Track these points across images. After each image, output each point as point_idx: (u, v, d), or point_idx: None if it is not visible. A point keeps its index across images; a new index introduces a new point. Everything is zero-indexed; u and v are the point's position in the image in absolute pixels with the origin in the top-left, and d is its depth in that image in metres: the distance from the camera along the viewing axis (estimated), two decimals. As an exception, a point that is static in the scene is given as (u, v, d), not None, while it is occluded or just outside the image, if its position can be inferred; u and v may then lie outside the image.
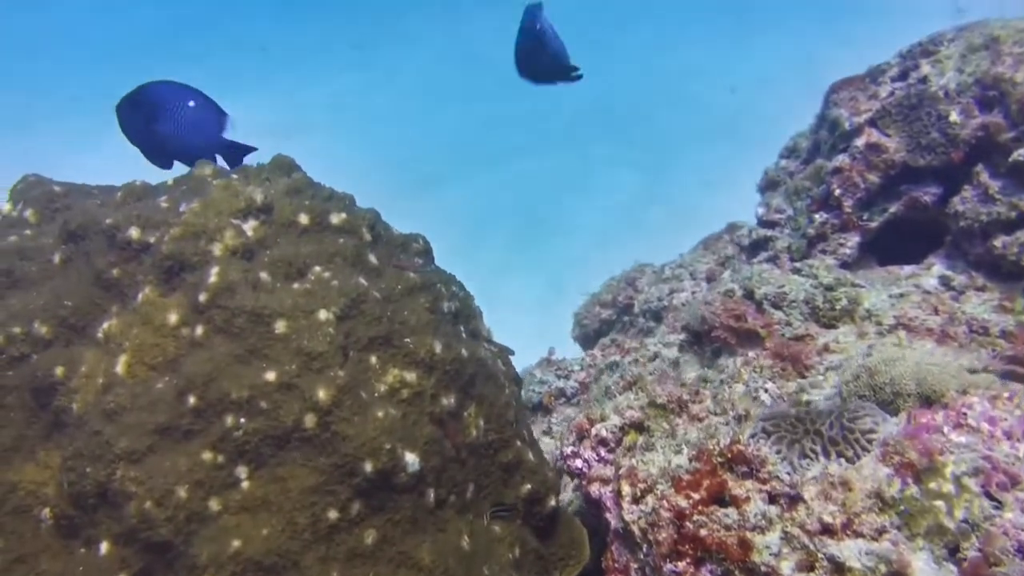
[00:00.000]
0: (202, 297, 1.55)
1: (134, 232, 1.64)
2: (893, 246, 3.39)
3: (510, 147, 13.49)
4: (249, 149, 1.99)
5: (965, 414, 1.59)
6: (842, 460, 1.69)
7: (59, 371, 1.51)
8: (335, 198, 1.87)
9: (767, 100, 12.19)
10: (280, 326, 1.56)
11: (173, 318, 1.55)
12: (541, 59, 1.97)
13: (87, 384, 1.50)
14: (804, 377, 3.12)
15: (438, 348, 1.70)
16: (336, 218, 1.79)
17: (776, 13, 15.02)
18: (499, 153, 13.40)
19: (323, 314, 1.60)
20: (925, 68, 3.28)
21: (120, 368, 1.49)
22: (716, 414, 2.37)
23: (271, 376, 1.51)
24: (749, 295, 3.62)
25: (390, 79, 15.69)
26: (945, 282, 3.25)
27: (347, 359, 1.59)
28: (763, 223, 3.91)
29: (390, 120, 14.30)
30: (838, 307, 3.29)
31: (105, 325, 1.55)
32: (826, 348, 3.18)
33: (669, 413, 2.34)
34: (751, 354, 3.45)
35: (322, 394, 1.51)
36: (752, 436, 1.95)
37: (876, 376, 2.14)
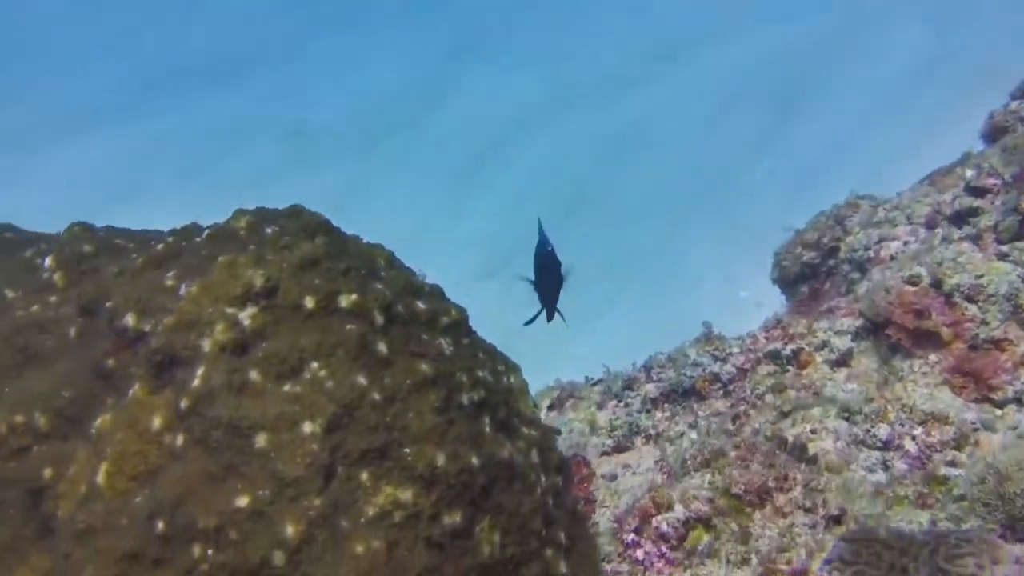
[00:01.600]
0: (183, 403, 1.44)
1: (130, 319, 1.54)
2: None
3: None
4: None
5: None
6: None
7: (48, 473, 1.48)
8: (351, 273, 1.65)
9: None
10: (261, 440, 1.42)
11: (157, 423, 1.46)
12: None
13: (71, 491, 1.46)
14: (988, 398, 2.56)
15: (440, 460, 1.49)
16: (346, 300, 1.59)
17: None
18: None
19: (308, 427, 1.43)
20: None
21: (101, 478, 1.43)
22: (805, 509, 1.95)
23: (243, 502, 1.38)
24: (937, 284, 3.02)
25: None
26: None
27: (331, 480, 1.42)
28: (971, 189, 3.18)
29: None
30: None
31: (98, 421, 1.49)
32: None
33: (745, 507, 1.97)
34: (930, 358, 2.90)
35: (290, 529, 1.36)
36: (827, 563, 1.56)
37: (1007, 483, 1.64)
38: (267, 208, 1.96)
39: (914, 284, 3.03)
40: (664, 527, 1.90)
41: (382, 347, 1.59)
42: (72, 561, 1.39)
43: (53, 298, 1.72)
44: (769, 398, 3.00)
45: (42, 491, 1.50)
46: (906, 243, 4.31)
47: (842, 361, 3.20)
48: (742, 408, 3.08)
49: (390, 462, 1.49)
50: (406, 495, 1.47)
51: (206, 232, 1.84)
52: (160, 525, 1.39)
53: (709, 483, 2.03)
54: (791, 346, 3.27)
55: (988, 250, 2.94)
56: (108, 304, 1.59)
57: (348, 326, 1.58)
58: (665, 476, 3.13)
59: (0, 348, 1.63)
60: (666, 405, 3.46)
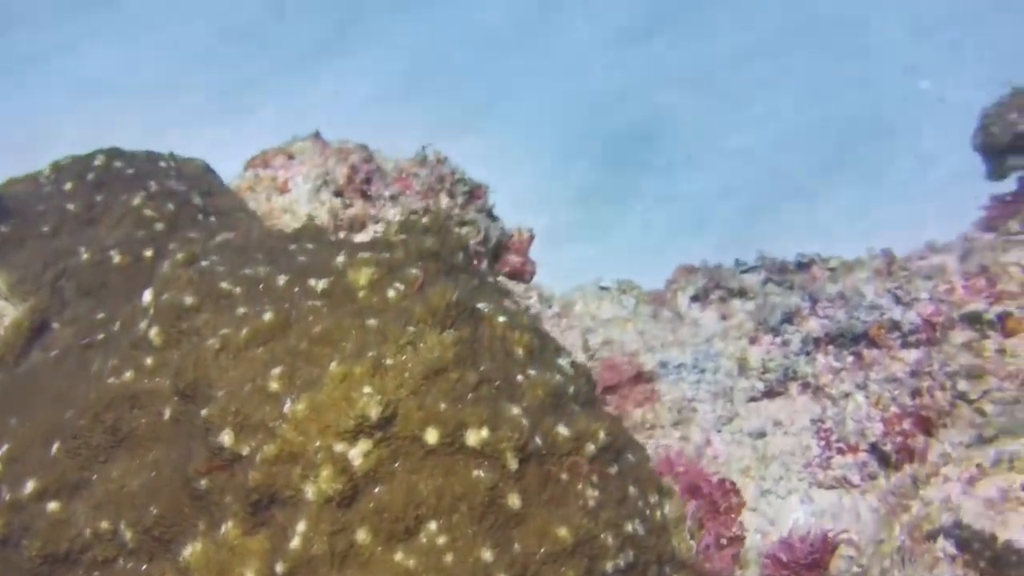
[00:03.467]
0: (280, 568, 1.24)
1: (227, 439, 1.32)
2: None
3: None
4: None
5: None
6: None
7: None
8: (483, 389, 1.34)
9: None
10: (366, 623, 1.22)
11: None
12: None
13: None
14: None
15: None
16: (474, 437, 1.29)
17: None
18: None
19: (420, 616, 1.22)
20: None
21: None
22: None
23: None
24: None
25: None
26: None
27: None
28: None
29: None
30: None
31: (187, 552, 1.33)
32: None
33: None
34: None
35: None
36: None
37: None
38: (387, 245, 1.62)
39: None
40: None
41: (514, 500, 1.31)
42: None
43: (149, 360, 1.50)
44: (963, 385, 2.55)
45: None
46: None
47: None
48: (926, 385, 2.65)
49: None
50: None
51: (320, 286, 1.54)
52: None
53: None
54: (997, 308, 2.73)
55: None
56: (203, 413, 1.36)
57: (475, 472, 1.30)
58: (823, 444, 2.83)
59: (90, 424, 1.46)
60: (831, 348, 3.05)
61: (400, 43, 12.34)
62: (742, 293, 3.99)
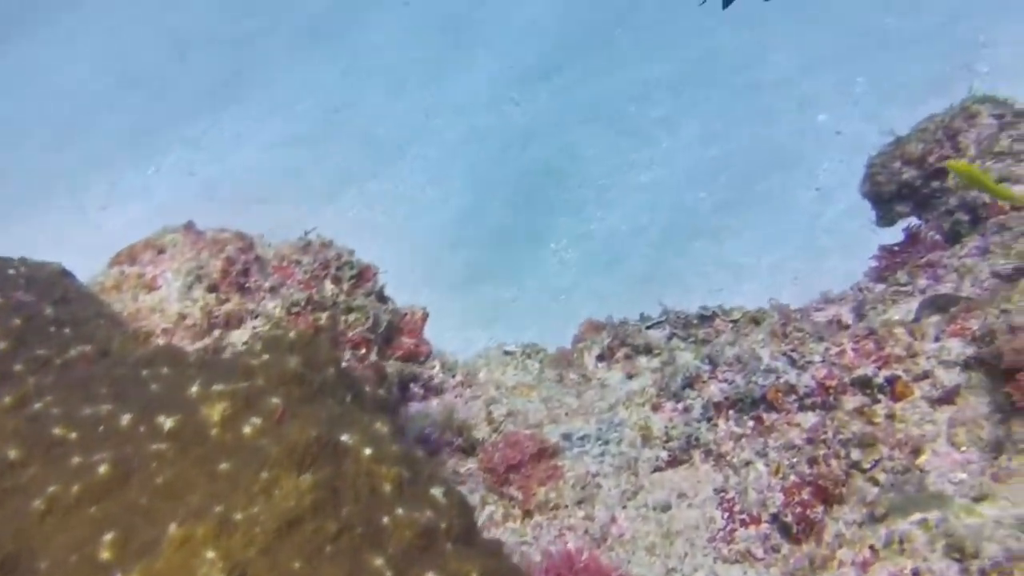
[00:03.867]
0: None
1: None
2: None
3: None
4: None
5: None
6: None
7: None
8: (343, 540, 1.24)
9: None
10: None
11: None
12: None
13: None
14: None
15: None
16: None
17: None
18: None
19: None
20: None
21: None
22: None
23: None
24: None
25: None
26: None
27: None
28: None
29: None
30: None
31: None
32: None
33: None
34: None
35: None
36: None
37: None
38: (246, 371, 1.51)
39: (1052, 328, 2.47)
40: None
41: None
42: None
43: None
44: (856, 454, 2.57)
45: None
46: None
47: (946, 399, 2.72)
48: (821, 454, 2.66)
49: None
50: None
51: (168, 425, 1.42)
52: None
53: None
54: (885, 372, 2.79)
55: None
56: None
57: (331, 647, 1.20)
58: (727, 516, 2.82)
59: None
60: (731, 412, 3.06)
61: (306, 83, 12.17)
62: (648, 350, 4.00)
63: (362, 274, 2.67)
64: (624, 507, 2.85)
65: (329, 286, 2.54)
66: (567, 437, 3.06)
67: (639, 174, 9.87)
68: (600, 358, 3.92)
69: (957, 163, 2.88)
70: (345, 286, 2.59)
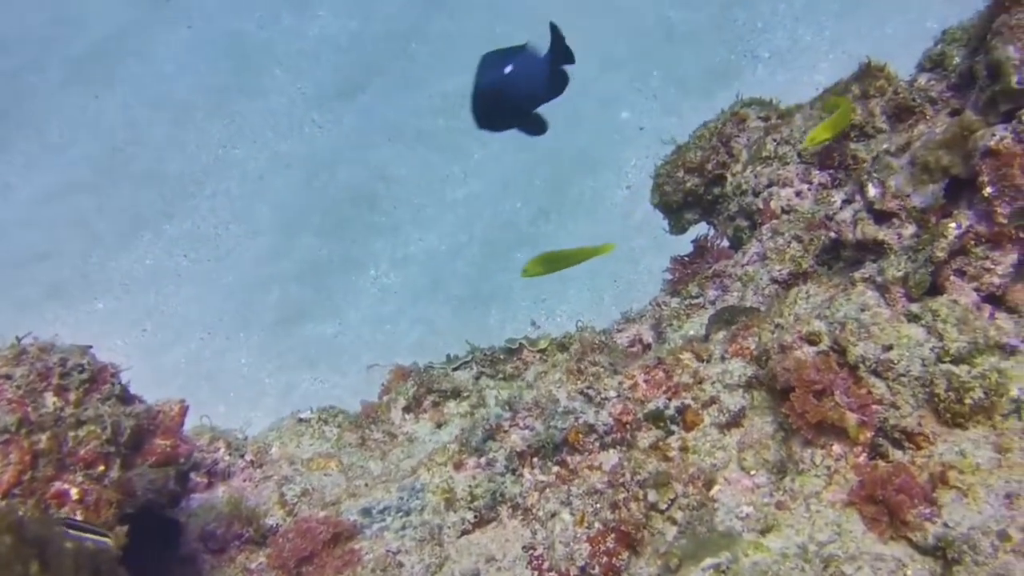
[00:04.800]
0: None
1: None
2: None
3: None
4: None
5: None
6: None
7: None
8: None
9: None
10: None
11: None
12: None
13: None
14: (905, 536, 2.21)
15: None
16: None
17: None
18: None
19: None
20: None
21: None
22: None
23: None
24: (841, 350, 2.60)
25: None
26: None
27: None
28: (873, 212, 2.65)
29: None
30: (968, 399, 2.30)
31: None
32: (943, 479, 2.26)
33: None
34: (834, 449, 2.50)
35: None
36: None
37: None
38: None
39: (813, 343, 2.57)
40: None
41: None
42: None
43: None
44: (652, 496, 2.57)
45: None
46: (798, 192, 3.87)
47: (734, 422, 2.77)
48: (621, 498, 2.64)
49: None
50: None
51: None
52: None
53: None
54: (676, 402, 2.81)
55: (897, 306, 2.47)
56: None
57: None
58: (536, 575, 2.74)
59: None
60: (535, 460, 3.00)
61: (83, 121, 11.26)
62: (456, 394, 3.89)
63: (96, 376, 2.39)
64: (429, 584, 2.72)
65: (51, 399, 2.24)
66: (367, 512, 2.89)
67: (454, 189, 9.81)
68: (407, 409, 3.78)
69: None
70: (73, 396, 2.30)
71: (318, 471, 3.21)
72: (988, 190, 2.23)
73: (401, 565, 2.70)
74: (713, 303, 3.65)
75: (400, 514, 2.86)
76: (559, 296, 8.41)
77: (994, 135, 2.21)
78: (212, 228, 10.08)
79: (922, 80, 2.83)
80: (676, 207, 4.31)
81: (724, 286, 3.68)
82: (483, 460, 3.01)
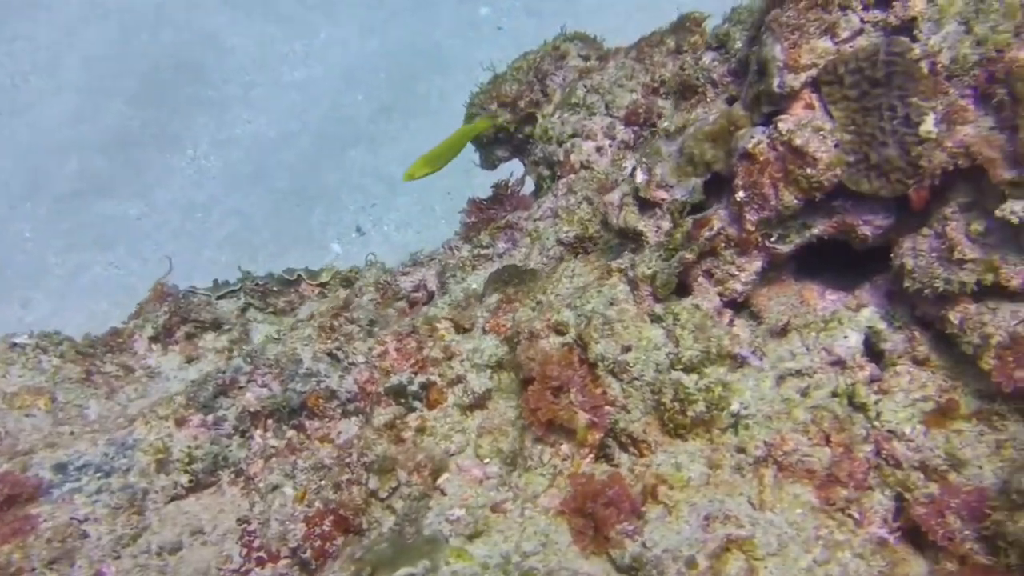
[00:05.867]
0: None
1: None
2: (811, 266, 2.37)
3: None
4: None
5: None
6: None
7: None
8: None
9: None
10: None
11: None
12: None
13: None
14: (607, 553, 2.14)
15: None
16: None
17: None
18: None
19: None
20: (917, 5, 1.91)
21: None
22: None
23: None
24: (583, 345, 2.49)
25: None
26: (871, 344, 2.22)
27: None
28: (639, 201, 2.49)
29: None
30: (691, 411, 2.24)
31: None
32: (653, 493, 2.21)
33: None
34: (563, 449, 2.40)
35: None
36: None
37: None
38: None
39: (560, 333, 2.42)
40: None
41: None
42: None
43: None
44: (374, 482, 2.38)
45: None
46: (599, 148, 3.69)
47: (477, 404, 2.62)
48: (345, 479, 2.45)
49: None
50: None
51: None
52: None
53: None
54: (421, 377, 2.62)
55: (643, 304, 2.35)
56: None
57: None
58: (244, 553, 2.54)
59: None
60: (270, 422, 2.76)
61: None
62: (216, 326, 3.56)
63: None
64: (118, 557, 2.46)
65: None
66: (61, 468, 2.57)
67: (292, 70, 9.09)
68: (154, 339, 3.42)
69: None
70: None
71: (20, 409, 2.85)
72: (740, 194, 2.10)
73: (85, 536, 2.42)
74: (501, 256, 3.45)
75: (99, 474, 2.56)
76: (388, 204, 8.04)
77: (752, 137, 2.05)
78: (8, 78, 8.96)
79: (706, 59, 2.63)
80: (487, 142, 4.03)
81: (514, 239, 3.48)
82: (210, 418, 2.73)
